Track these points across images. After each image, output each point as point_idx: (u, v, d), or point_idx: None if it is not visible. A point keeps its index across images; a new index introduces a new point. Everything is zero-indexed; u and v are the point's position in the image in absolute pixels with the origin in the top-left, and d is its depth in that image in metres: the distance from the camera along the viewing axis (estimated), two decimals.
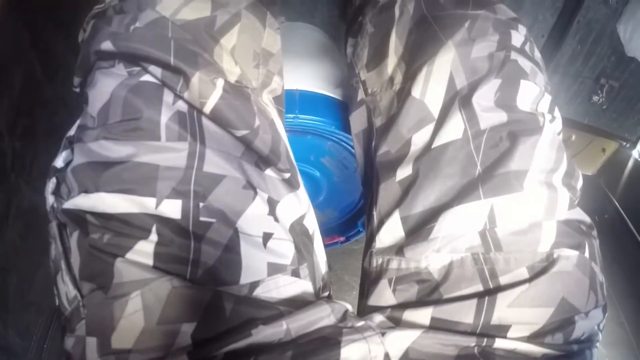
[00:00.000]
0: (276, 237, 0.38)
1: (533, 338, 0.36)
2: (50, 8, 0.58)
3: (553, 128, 0.42)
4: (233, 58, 0.43)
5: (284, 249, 0.39)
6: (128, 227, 0.33)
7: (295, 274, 0.39)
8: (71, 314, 0.33)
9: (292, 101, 0.66)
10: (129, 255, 0.33)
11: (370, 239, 0.45)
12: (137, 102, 0.37)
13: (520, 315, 0.35)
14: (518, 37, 0.46)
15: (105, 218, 0.34)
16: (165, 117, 0.37)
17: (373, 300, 0.42)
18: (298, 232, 0.41)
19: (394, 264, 0.41)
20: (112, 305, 0.31)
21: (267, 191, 0.40)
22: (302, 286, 0.39)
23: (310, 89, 0.70)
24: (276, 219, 0.39)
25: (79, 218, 0.34)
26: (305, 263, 0.40)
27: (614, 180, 1.52)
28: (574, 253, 0.37)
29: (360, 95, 0.53)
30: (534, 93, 0.42)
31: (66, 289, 0.34)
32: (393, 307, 0.40)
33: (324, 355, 0.32)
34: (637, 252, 1.37)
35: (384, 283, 0.41)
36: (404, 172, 0.43)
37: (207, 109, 0.39)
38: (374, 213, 0.46)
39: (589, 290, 0.37)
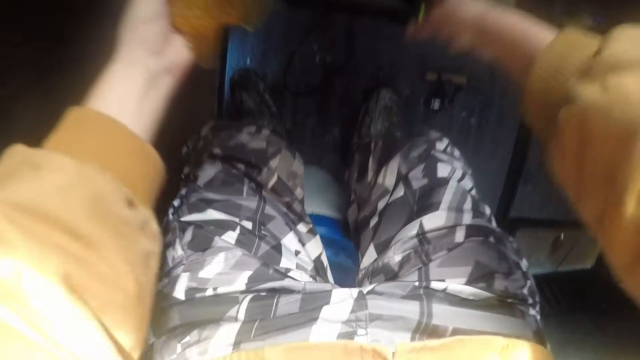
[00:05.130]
0: (302, 255, 0.61)
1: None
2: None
3: (459, 183, 0.66)
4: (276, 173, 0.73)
5: (307, 263, 0.61)
6: (224, 226, 0.56)
7: (314, 279, 0.58)
8: (172, 268, 0.52)
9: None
10: (223, 237, 0.54)
11: (358, 270, 0.67)
12: (231, 180, 0.64)
13: (448, 271, 0.53)
14: (440, 144, 0.75)
15: (209, 223, 0.55)
16: (245, 188, 0.64)
17: None
18: (318, 265, 0.64)
19: (371, 267, 0.63)
20: (205, 258, 0.51)
21: (299, 235, 0.64)
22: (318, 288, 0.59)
23: (320, 212, 1.01)
24: (304, 250, 0.63)
25: (193, 224, 0.56)
26: (322, 280, 0.62)
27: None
28: (480, 238, 0.55)
29: (352, 197, 0.84)
30: (447, 170, 0.68)
31: (174, 254, 0.53)
32: None
33: (320, 294, 0.48)
34: None
35: (366, 282, 0.62)
36: (373, 221, 0.68)
37: (269, 185, 0.66)
38: (360, 255, 0.69)
39: (498, 259, 0.53)
